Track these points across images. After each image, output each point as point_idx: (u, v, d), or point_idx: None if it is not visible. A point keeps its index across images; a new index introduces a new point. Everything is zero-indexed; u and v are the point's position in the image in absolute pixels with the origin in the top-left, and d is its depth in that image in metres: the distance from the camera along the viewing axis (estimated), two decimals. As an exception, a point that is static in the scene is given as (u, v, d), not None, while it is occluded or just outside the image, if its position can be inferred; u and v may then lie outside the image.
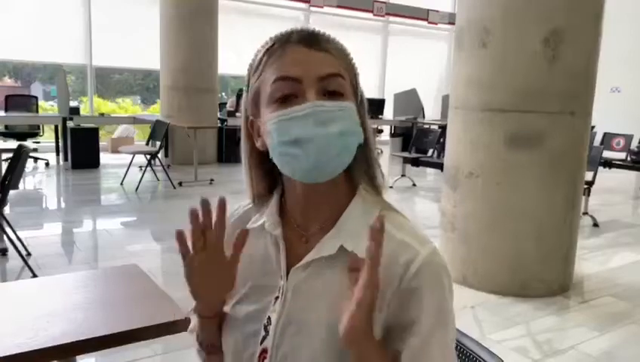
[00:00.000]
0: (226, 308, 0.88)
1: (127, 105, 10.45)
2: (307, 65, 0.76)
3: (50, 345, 1.13)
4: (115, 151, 8.38)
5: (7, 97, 7.90)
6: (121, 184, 6.50)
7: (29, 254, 3.68)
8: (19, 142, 5.45)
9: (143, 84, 12.69)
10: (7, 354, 1.09)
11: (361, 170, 0.84)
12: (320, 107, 0.74)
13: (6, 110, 7.69)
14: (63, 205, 5.92)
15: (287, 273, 0.81)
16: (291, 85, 0.75)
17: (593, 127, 7.00)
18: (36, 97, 8.31)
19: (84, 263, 3.81)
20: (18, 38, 8.17)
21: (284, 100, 0.75)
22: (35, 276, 3.35)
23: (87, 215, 5.33)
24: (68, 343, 1.15)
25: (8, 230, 3.59)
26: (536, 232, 3.35)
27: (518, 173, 3.32)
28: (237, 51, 9.78)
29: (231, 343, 0.85)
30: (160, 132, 6.67)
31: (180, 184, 6.55)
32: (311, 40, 0.77)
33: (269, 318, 0.81)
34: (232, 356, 0.85)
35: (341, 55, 0.79)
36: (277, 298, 0.81)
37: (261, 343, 0.81)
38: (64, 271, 3.66)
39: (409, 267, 0.75)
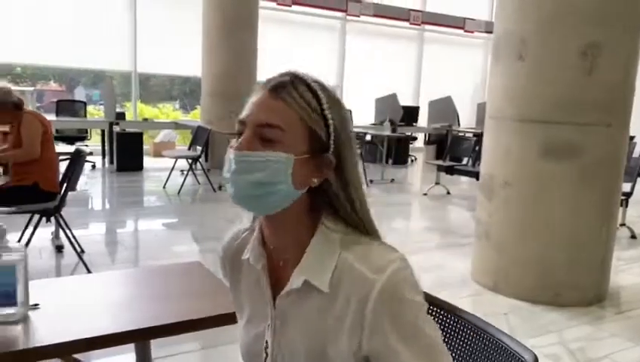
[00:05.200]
0: (240, 324, 0.98)
1: (169, 111, 10.81)
2: (254, 111, 0.82)
3: (130, 328, 1.29)
4: (157, 155, 8.70)
5: (58, 102, 8.30)
6: (164, 187, 6.76)
7: (82, 251, 3.91)
8: (75, 146, 5.78)
9: (181, 90, 13.05)
10: (95, 335, 1.25)
11: (322, 205, 0.87)
12: (236, 157, 0.81)
13: (57, 115, 8.08)
14: (108, 206, 6.21)
15: (275, 300, 0.89)
16: (239, 126, 0.84)
17: (632, 138, 6.91)
18: (84, 102, 8.70)
19: (129, 261, 4.03)
20: (66, 45, 8.56)
21: (240, 135, 0.84)
22: (89, 272, 3.58)
23: (131, 216, 5.59)
24: (145, 328, 1.31)
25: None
26: (570, 242, 3.39)
27: (553, 184, 3.36)
28: (275, 59, 10.01)
29: (244, 357, 0.97)
30: (202, 137, 6.93)
31: (220, 188, 6.76)
32: (273, 87, 0.82)
33: (267, 342, 0.90)
34: None
35: (298, 106, 0.82)
36: (269, 325, 0.90)
37: None
38: (112, 268, 3.89)
39: (367, 300, 0.79)
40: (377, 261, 0.82)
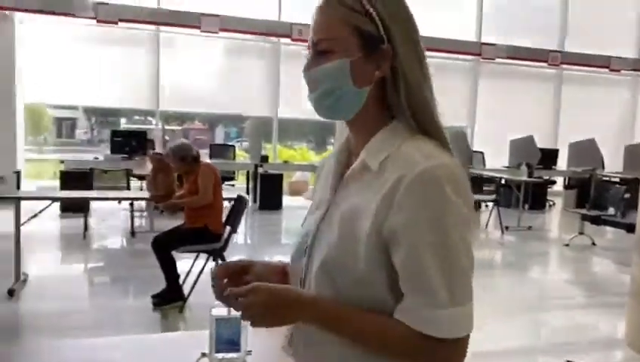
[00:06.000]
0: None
1: (304, 152, 11.51)
2: (311, 32, 0.91)
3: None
4: (292, 193, 9.29)
5: (211, 146, 9.25)
6: (302, 226, 7.20)
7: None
8: (225, 186, 6.45)
9: (311, 130, 13.75)
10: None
11: (395, 104, 0.90)
12: (304, 78, 0.92)
13: (210, 157, 9.01)
14: (250, 241, 6.78)
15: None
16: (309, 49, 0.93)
17: None
18: (234, 146, 9.57)
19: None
20: (215, 94, 9.63)
21: None
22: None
23: (275, 253, 6.06)
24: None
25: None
26: None
27: None
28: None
29: (291, 257, 1.05)
30: (337, 180, 7.30)
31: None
32: (320, 5, 0.89)
33: (314, 228, 0.97)
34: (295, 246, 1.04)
35: (336, 11, 0.87)
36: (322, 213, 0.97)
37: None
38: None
39: (406, 176, 0.82)
40: (432, 152, 0.85)
